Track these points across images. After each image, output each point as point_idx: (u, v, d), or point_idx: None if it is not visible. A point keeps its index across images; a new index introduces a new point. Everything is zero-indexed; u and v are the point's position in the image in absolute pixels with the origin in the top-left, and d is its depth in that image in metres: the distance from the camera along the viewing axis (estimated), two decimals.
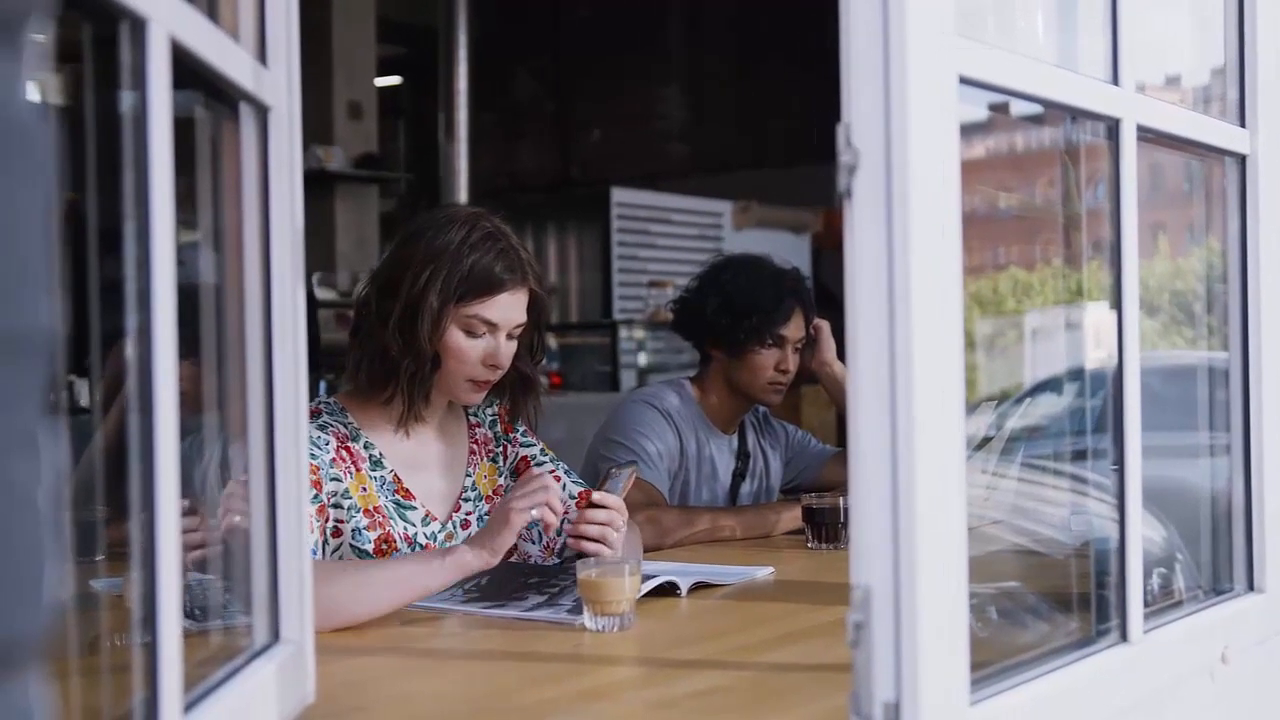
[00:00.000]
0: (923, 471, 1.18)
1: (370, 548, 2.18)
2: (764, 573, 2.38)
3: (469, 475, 2.37)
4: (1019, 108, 1.57)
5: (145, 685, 1.02)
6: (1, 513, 0.56)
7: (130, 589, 1.45)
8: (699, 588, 2.21)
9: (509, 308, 2.24)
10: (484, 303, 2.21)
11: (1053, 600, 1.75)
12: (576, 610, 1.93)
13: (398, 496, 2.25)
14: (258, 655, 1.35)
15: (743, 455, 3.18)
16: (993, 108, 1.49)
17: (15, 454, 0.57)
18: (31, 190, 0.58)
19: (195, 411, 1.34)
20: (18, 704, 0.58)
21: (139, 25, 1.01)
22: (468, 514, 2.34)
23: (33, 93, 0.59)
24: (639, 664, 1.78)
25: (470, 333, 2.22)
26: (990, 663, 1.34)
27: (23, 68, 0.58)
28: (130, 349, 1.04)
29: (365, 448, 2.25)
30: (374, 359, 2.23)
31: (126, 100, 1.04)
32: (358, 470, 2.21)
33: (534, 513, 1.99)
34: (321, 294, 6.84)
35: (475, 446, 2.41)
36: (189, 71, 1.14)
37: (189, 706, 1.11)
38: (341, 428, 2.23)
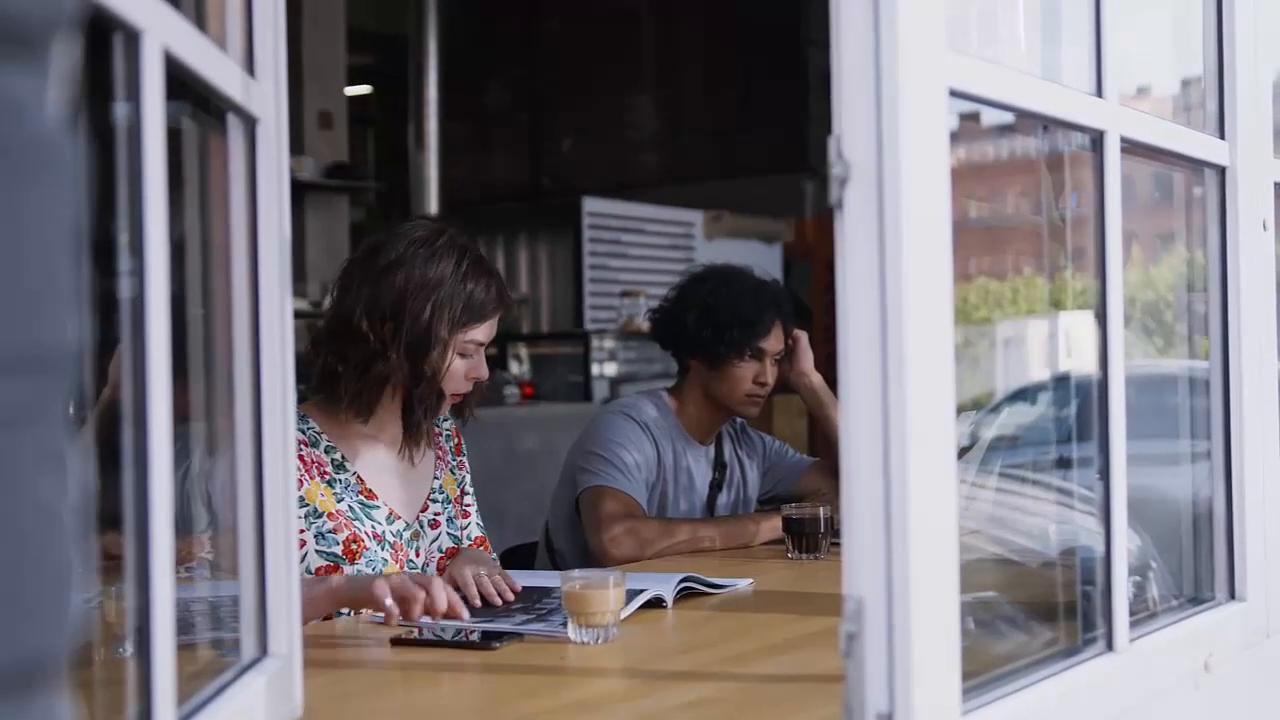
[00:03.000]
0: (915, 482, 1.18)
1: (339, 549, 2.25)
2: (744, 584, 2.38)
3: (437, 478, 2.46)
4: (989, 117, 1.58)
5: (139, 699, 1.02)
6: (31, 529, 0.56)
7: (110, 603, 1.44)
8: (685, 595, 2.21)
9: (494, 326, 2.37)
10: (480, 327, 2.33)
11: (1037, 610, 1.76)
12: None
13: (361, 497, 2.31)
14: (247, 669, 1.34)
15: (720, 466, 3.18)
16: (964, 117, 1.50)
17: (42, 470, 0.57)
18: (58, 205, 0.58)
19: (179, 421, 1.33)
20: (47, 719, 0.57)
21: (133, 37, 1.01)
22: (436, 514, 2.43)
23: (57, 108, 0.59)
24: (625, 676, 1.77)
25: (463, 355, 2.32)
26: (980, 672, 1.35)
27: (48, 83, 0.58)
28: (123, 361, 1.03)
29: (327, 452, 2.31)
30: (375, 386, 2.28)
31: (119, 111, 1.03)
32: (313, 478, 2.27)
33: (388, 602, 1.93)
34: (293, 304, 6.80)
35: (440, 452, 2.49)
36: (178, 82, 1.13)
37: None
38: (299, 434, 2.25)
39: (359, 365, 2.27)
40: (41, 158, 0.57)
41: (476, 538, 2.48)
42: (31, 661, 0.56)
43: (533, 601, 2.16)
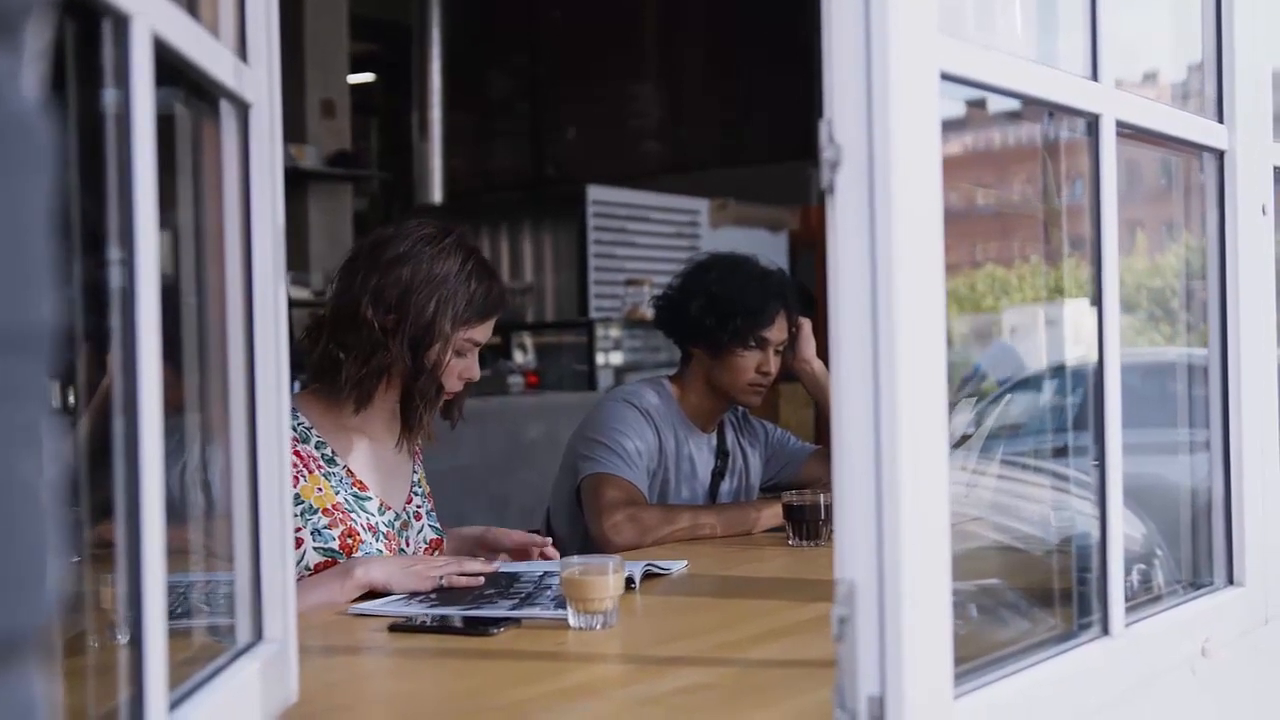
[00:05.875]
0: (906, 466, 1.18)
1: (335, 544, 2.27)
2: (679, 566, 2.41)
3: (416, 472, 2.51)
4: (996, 104, 1.58)
5: (130, 684, 1.02)
6: (7, 506, 0.56)
7: (107, 590, 1.45)
8: (648, 577, 2.26)
9: (490, 328, 2.41)
10: (480, 327, 2.36)
11: (1034, 595, 1.76)
12: (561, 604, 1.93)
13: (354, 489, 2.34)
14: (241, 654, 1.34)
15: (722, 454, 3.18)
16: (970, 104, 1.50)
17: (20, 448, 0.57)
18: (33, 186, 0.58)
19: (175, 412, 1.33)
20: (21, 696, 0.58)
21: (122, 22, 1.01)
22: (418, 507, 2.48)
23: (32, 89, 0.59)
24: (622, 661, 1.78)
25: (459, 353, 2.35)
26: (974, 657, 1.35)
27: (22, 65, 0.58)
28: (113, 350, 1.03)
29: (317, 447, 2.33)
30: (375, 376, 2.31)
31: (108, 97, 1.03)
32: (310, 472, 2.29)
33: (443, 582, 2.16)
34: (295, 293, 6.82)
35: (418, 448, 2.53)
36: (170, 68, 1.13)
37: (174, 705, 1.11)
38: (290, 422, 2.26)
39: (361, 355, 2.29)
40: (16, 138, 0.57)
41: (433, 540, 2.50)
42: (4, 637, 0.56)
43: (505, 586, 2.16)
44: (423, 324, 2.29)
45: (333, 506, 2.28)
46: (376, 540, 2.31)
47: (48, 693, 0.61)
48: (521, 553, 2.47)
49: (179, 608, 1.39)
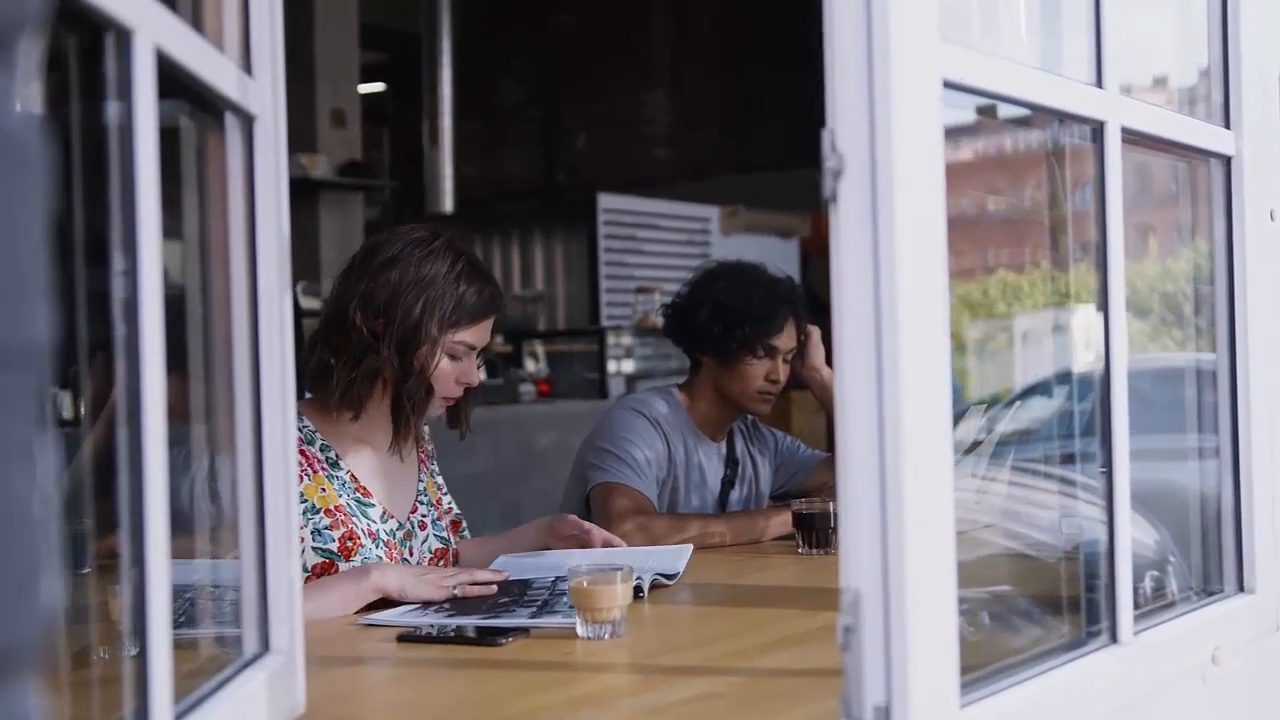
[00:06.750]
0: (910, 474, 1.18)
1: (335, 546, 2.28)
2: (685, 554, 2.43)
3: (421, 481, 2.50)
4: (1006, 110, 1.57)
5: (136, 696, 1.02)
6: (0, 522, 0.57)
7: (115, 601, 1.45)
8: (656, 587, 2.25)
9: (487, 331, 2.40)
10: (471, 329, 2.35)
11: (1043, 603, 1.75)
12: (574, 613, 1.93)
13: (358, 494, 2.35)
14: (248, 665, 1.34)
15: (731, 462, 3.17)
16: (980, 111, 1.50)
17: (13, 463, 0.57)
18: (27, 202, 0.58)
19: (182, 423, 1.34)
20: (16, 710, 0.58)
21: (125, 36, 1.01)
22: (423, 516, 2.48)
23: (27, 104, 0.59)
24: (630, 671, 1.77)
25: (453, 357, 2.35)
26: (981, 665, 1.35)
27: (16, 80, 0.58)
28: (118, 361, 1.03)
29: (321, 450, 2.34)
30: (366, 380, 2.31)
31: (111, 110, 1.04)
32: (315, 473, 2.30)
33: (456, 591, 2.16)
34: (306, 303, 6.82)
35: (423, 457, 2.54)
36: (173, 81, 1.14)
37: (179, 716, 1.11)
38: (295, 433, 2.27)
39: (351, 359, 2.30)
40: (10, 155, 0.58)
41: (437, 550, 2.50)
42: (1, 652, 0.56)
43: (519, 595, 2.16)
44: (410, 325, 2.29)
45: (335, 508, 2.29)
46: (376, 547, 2.31)
47: (43, 706, 0.61)
48: (577, 540, 2.49)
49: (184, 615, 1.39)
